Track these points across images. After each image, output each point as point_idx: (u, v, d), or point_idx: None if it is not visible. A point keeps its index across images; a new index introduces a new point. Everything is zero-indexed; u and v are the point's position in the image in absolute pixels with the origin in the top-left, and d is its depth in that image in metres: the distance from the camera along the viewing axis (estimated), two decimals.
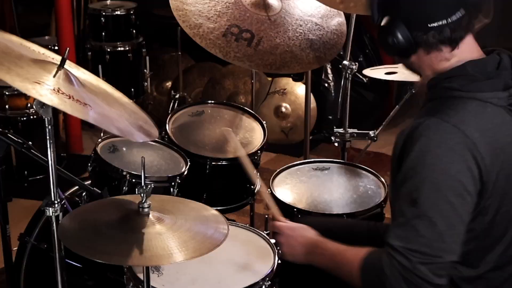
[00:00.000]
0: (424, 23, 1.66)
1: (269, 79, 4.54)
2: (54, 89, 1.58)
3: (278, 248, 1.97)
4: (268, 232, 2.19)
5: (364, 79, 4.60)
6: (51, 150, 1.70)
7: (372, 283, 1.64)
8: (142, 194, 1.63)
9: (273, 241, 2.03)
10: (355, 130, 2.90)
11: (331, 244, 1.83)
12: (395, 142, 1.70)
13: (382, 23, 1.71)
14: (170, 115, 2.72)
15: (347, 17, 2.76)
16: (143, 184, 1.63)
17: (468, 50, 1.71)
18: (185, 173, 2.41)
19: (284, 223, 1.99)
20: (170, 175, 2.36)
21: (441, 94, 1.67)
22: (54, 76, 1.64)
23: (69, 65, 1.80)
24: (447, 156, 1.58)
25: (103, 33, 4.55)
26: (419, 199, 1.57)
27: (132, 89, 4.51)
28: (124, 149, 2.50)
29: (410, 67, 1.79)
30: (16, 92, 3.79)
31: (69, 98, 1.58)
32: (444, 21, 1.65)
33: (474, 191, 1.59)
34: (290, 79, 4.49)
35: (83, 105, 1.59)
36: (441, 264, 1.57)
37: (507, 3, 4.92)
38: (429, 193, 1.57)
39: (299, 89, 4.62)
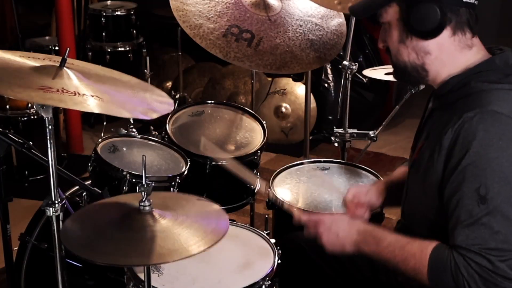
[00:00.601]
0: None
1: (269, 79, 4.54)
2: (58, 90, 1.58)
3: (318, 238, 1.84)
4: (268, 232, 2.19)
5: (364, 79, 4.60)
6: (52, 150, 1.70)
7: (443, 284, 1.57)
8: (143, 192, 1.63)
9: (273, 241, 2.03)
10: (355, 130, 2.90)
11: (387, 233, 1.72)
12: (434, 142, 1.64)
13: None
14: (170, 115, 2.72)
15: (347, 17, 2.77)
16: (144, 182, 1.63)
17: (479, 42, 1.70)
18: (185, 173, 2.42)
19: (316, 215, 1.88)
20: (170, 175, 2.36)
21: (478, 88, 1.63)
22: (54, 78, 1.64)
23: (72, 63, 1.81)
24: (510, 147, 1.54)
25: (104, 33, 4.56)
26: (488, 194, 1.53)
27: None
28: (124, 149, 2.50)
29: (418, 65, 1.71)
30: None
31: (75, 94, 1.60)
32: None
33: None
34: (290, 79, 4.50)
35: (90, 97, 1.61)
36: None
37: (506, 3, 4.93)
38: (499, 187, 1.53)
39: (299, 89, 4.62)
